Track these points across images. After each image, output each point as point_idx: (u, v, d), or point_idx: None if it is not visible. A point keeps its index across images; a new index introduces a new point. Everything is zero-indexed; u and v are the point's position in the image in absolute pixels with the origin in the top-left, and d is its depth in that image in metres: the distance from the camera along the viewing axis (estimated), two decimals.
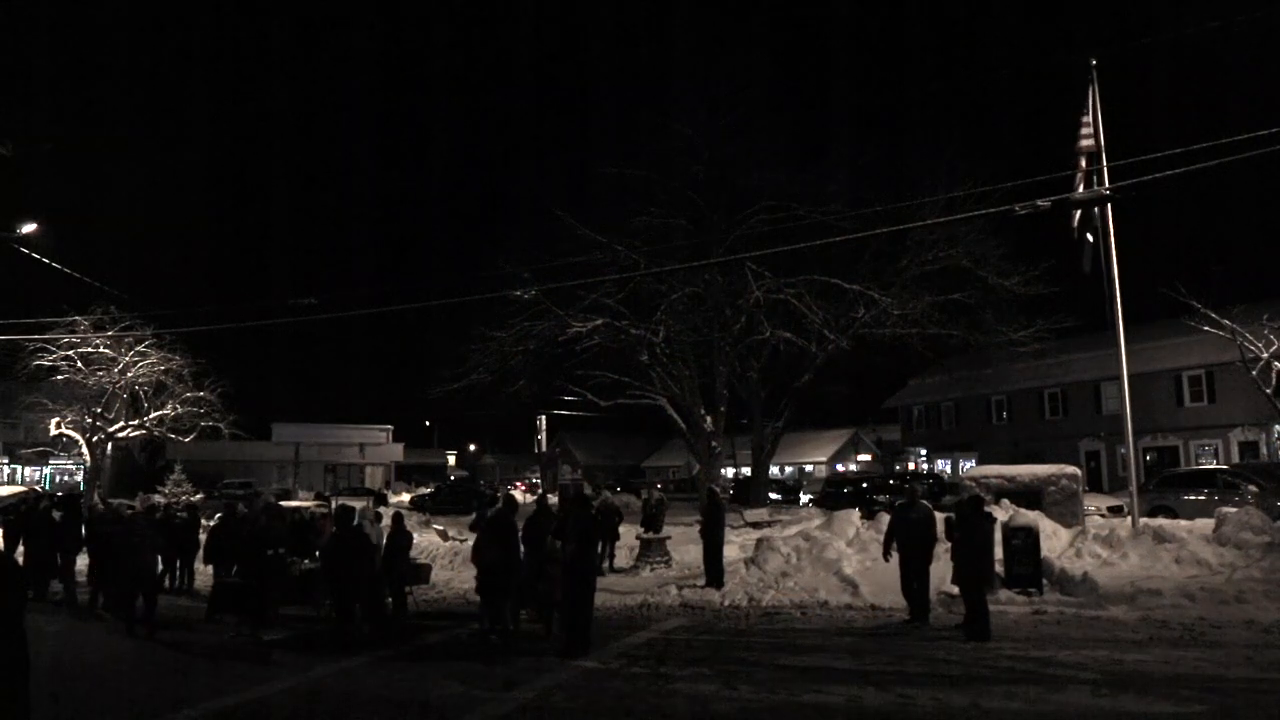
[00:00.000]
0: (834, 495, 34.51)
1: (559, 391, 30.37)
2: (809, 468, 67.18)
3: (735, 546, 18.18)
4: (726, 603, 13.76)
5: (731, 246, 23.99)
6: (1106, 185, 16.09)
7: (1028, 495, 16.93)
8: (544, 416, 71.55)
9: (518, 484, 68.67)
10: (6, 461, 40.61)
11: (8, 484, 36.76)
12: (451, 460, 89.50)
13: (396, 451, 72.46)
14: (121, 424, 30.79)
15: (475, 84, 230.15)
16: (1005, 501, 16.40)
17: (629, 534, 19.74)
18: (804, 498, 39.26)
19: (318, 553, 15.28)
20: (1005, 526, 13.31)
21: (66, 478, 45.67)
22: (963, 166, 22.90)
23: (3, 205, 24.88)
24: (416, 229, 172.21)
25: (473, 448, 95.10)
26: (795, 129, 27.13)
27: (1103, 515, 20.99)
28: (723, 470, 29.48)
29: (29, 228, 24.77)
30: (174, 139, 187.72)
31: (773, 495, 35.16)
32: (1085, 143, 16.39)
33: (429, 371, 27.91)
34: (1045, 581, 13.08)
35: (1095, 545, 14.68)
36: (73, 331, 27.33)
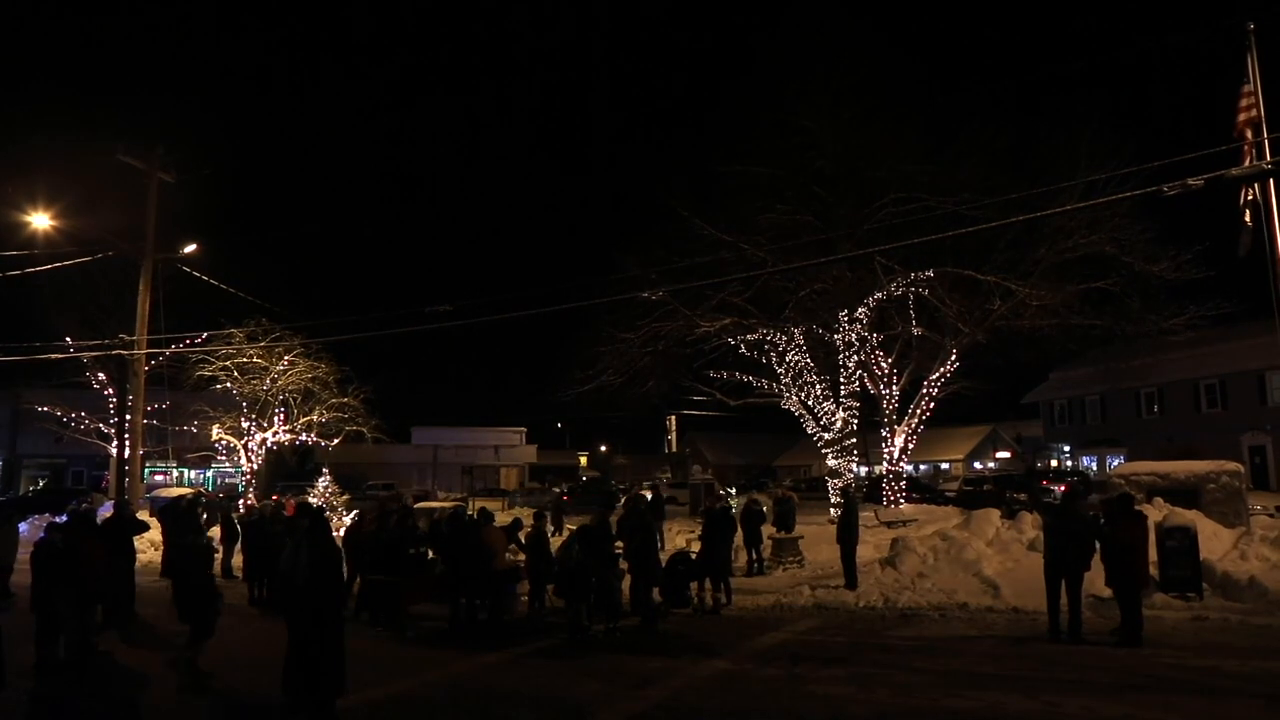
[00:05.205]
0: (972, 494, 33.44)
1: (688, 391, 30.42)
2: (945, 465, 65.22)
3: (870, 546, 17.81)
4: (861, 604, 13.49)
5: (860, 240, 23.49)
6: (1268, 159, 14.98)
7: (1184, 493, 15.98)
8: (673, 416, 71.72)
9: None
10: (175, 465, 43.54)
11: (177, 486, 39.46)
12: (583, 461, 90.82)
13: (530, 453, 74.11)
14: (274, 429, 32.54)
15: (593, 90, 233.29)
16: (1159, 500, 15.52)
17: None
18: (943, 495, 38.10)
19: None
20: (1159, 527, 12.59)
21: (226, 479, 48.70)
22: (1107, 145, 21.73)
23: (168, 228, 26.69)
24: (549, 234, 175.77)
25: (604, 448, 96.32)
26: (923, 116, 26.25)
27: (1270, 515, 19.59)
28: (856, 468, 28.86)
29: (190, 248, 26.59)
30: (322, 153, 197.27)
31: (908, 493, 34.25)
32: (1246, 114, 15.30)
33: (560, 374, 28.39)
34: (1206, 586, 12.31)
35: (1263, 547, 13.64)
36: (229, 343, 29.06)
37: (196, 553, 10.60)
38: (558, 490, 48.49)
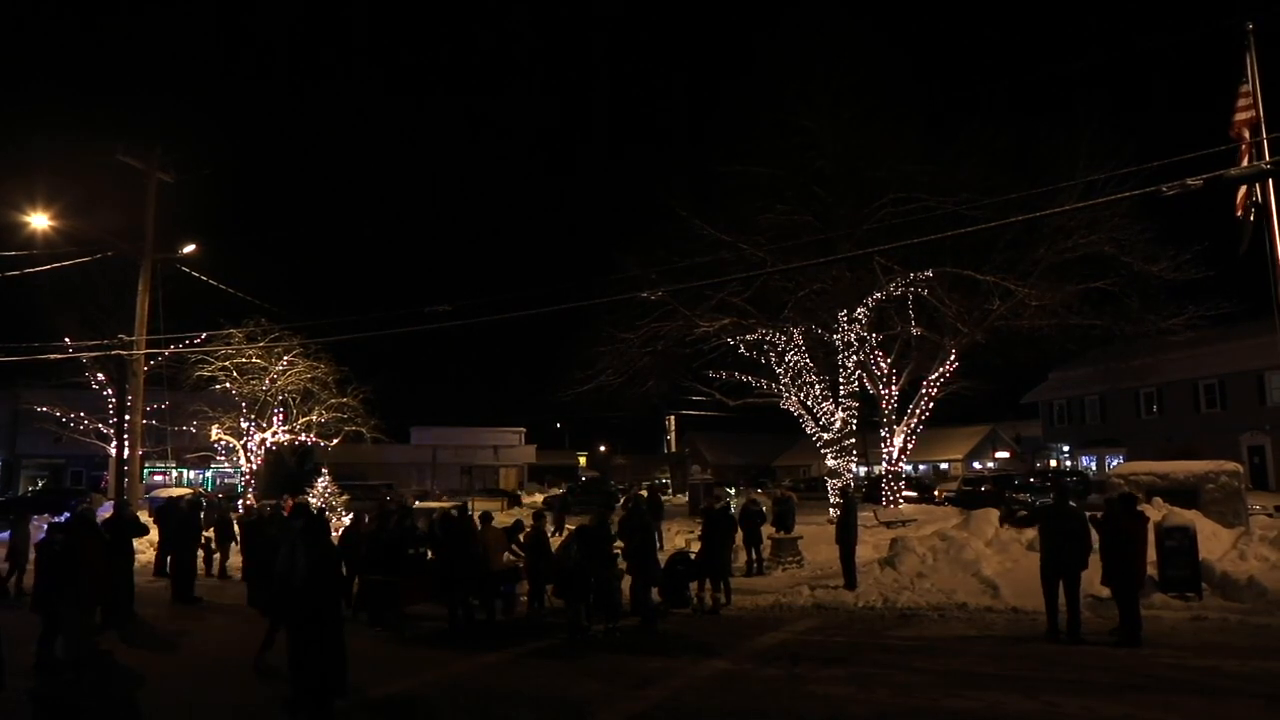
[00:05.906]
0: (971, 494, 33.42)
1: (687, 391, 30.40)
2: (944, 465, 65.24)
3: (869, 546, 17.78)
4: (860, 604, 13.48)
5: (859, 241, 23.46)
6: (1267, 159, 14.96)
7: (1183, 493, 16.00)
8: (673, 416, 71.66)
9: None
10: (174, 465, 43.50)
11: (176, 486, 39.42)
12: (583, 461, 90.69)
13: (529, 453, 74.02)
14: (273, 429, 32.51)
15: (593, 90, 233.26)
16: (1158, 500, 15.53)
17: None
18: (940, 496, 38.08)
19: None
20: (1158, 527, 12.59)
21: (225, 480, 48.62)
22: (1106, 145, 21.71)
23: (168, 228, 26.62)
24: (549, 234, 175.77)
25: (603, 448, 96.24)
26: (923, 116, 26.26)
27: (1269, 515, 19.60)
28: (855, 468, 28.84)
29: (189, 248, 26.55)
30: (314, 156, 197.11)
31: (907, 493, 34.26)
32: (1244, 114, 15.29)
33: (560, 374, 28.38)
34: (1205, 586, 12.30)
35: (1262, 547, 13.64)
36: (228, 343, 29.02)
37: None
38: (559, 491, 48.44)
